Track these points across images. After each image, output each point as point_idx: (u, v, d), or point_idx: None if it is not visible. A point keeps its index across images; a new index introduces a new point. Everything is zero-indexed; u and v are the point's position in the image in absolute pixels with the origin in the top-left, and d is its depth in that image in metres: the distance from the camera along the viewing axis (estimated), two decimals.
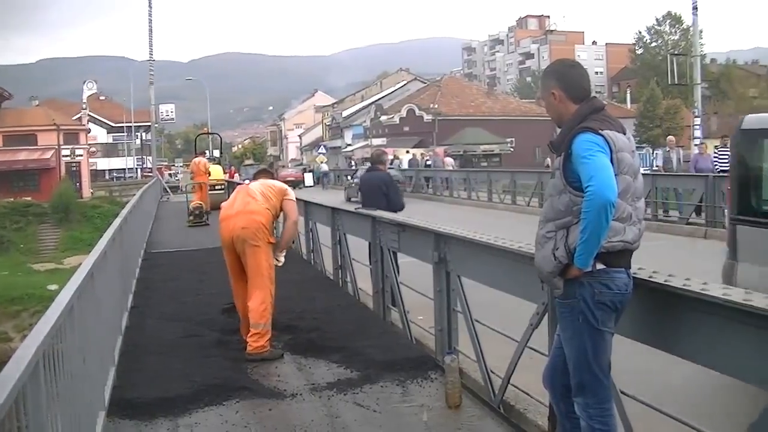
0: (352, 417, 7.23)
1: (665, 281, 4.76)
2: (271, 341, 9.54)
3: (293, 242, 17.33)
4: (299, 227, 15.25)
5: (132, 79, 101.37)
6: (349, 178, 50.86)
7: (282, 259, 10.17)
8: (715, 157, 26.41)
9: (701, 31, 53.96)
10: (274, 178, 10.91)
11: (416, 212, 14.53)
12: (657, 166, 44.68)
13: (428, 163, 51.37)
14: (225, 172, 46.28)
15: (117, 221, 12.11)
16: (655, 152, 68.79)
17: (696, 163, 25.95)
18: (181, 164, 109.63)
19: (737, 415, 4.68)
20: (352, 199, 39.53)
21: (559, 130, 5.12)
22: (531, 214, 23.40)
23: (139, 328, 10.85)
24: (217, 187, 32.96)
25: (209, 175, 32.18)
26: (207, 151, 48.98)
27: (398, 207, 12.60)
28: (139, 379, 8.34)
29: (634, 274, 4.95)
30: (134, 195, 28.08)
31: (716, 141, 34.92)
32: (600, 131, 4.75)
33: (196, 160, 33.10)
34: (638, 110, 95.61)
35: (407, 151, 58.52)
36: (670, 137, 31.71)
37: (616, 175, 4.65)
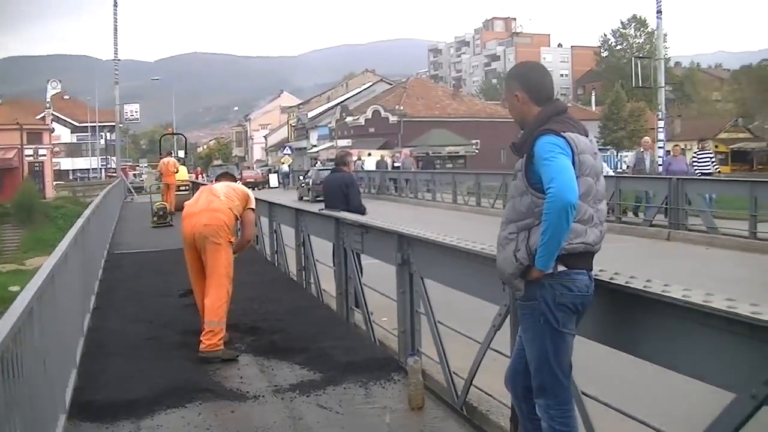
0: (315, 419, 7.22)
1: (626, 282, 4.77)
2: (227, 342, 9.54)
3: (257, 243, 17.32)
4: (264, 228, 15.25)
5: (97, 79, 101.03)
6: (301, 177, 51.40)
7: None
8: (695, 160, 26.47)
9: (665, 35, 54.22)
10: (235, 181, 10.98)
11: (381, 213, 14.51)
12: (622, 169, 44.82)
13: (396, 164, 51.30)
14: (190, 173, 46.20)
15: (79, 222, 12.04)
16: (619, 154, 69.30)
17: (669, 166, 25.97)
18: (146, 165, 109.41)
19: (697, 415, 4.71)
20: (304, 198, 40.78)
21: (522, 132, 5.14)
22: (495, 216, 23.32)
23: (102, 330, 10.76)
24: (181, 188, 32.88)
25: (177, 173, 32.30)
26: (172, 152, 48.76)
27: (357, 209, 12.56)
28: (100, 381, 8.27)
29: (596, 275, 4.97)
30: (98, 195, 27.89)
31: (680, 143, 35.11)
32: (562, 133, 4.76)
33: (165, 160, 33.11)
34: (603, 112, 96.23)
35: (369, 154, 58.46)
36: (646, 138, 31.52)
37: (577, 177, 4.66)
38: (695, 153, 28.48)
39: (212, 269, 9.55)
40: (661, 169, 27.56)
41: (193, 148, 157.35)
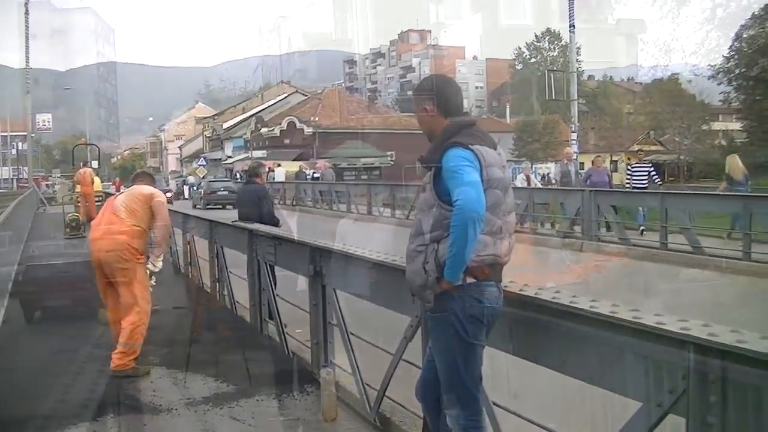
0: (228, 431, 7.19)
1: (535, 294, 4.83)
2: (141, 355, 9.36)
3: (170, 255, 17.16)
4: (177, 240, 15.12)
5: (7, 87, 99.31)
6: (195, 188, 55.56)
7: (159, 265, 9.78)
8: (629, 172, 25.82)
9: (579, 48, 54.68)
10: (153, 182, 10.59)
11: (295, 225, 14.50)
12: (540, 182, 44.92)
13: (316, 175, 51.07)
14: (104, 182, 45.72)
15: None
16: (533, 166, 69.85)
17: (589, 177, 25.66)
18: (59, 175, 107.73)
19: (610, 424, 4.78)
20: (197, 207, 44.06)
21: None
22: (410, 228, 23.41)
23: (11, 344, 10.61)
24: (95, 199, 32.54)
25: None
26: (87, 162, 48.06)
27: (270, 221, 12.51)
28: (9, 396, 8.16)
29: (505, 287, 5.02)
30: (9, 206, 27.41)
31: (592, 155, 35.22)
32: (470, 146, 4.81)
33: (81, 170, 32.69)
34: (517, 125, 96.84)
35: (279, 165, 58.02)
36: (568, 150, 31.54)
37: (485, 189, 4.70)
38: (630, 164, 28.14)
39: (125, 294, 9.30)
40: (582, 179, 27.36)
41: (107, 158, 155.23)
